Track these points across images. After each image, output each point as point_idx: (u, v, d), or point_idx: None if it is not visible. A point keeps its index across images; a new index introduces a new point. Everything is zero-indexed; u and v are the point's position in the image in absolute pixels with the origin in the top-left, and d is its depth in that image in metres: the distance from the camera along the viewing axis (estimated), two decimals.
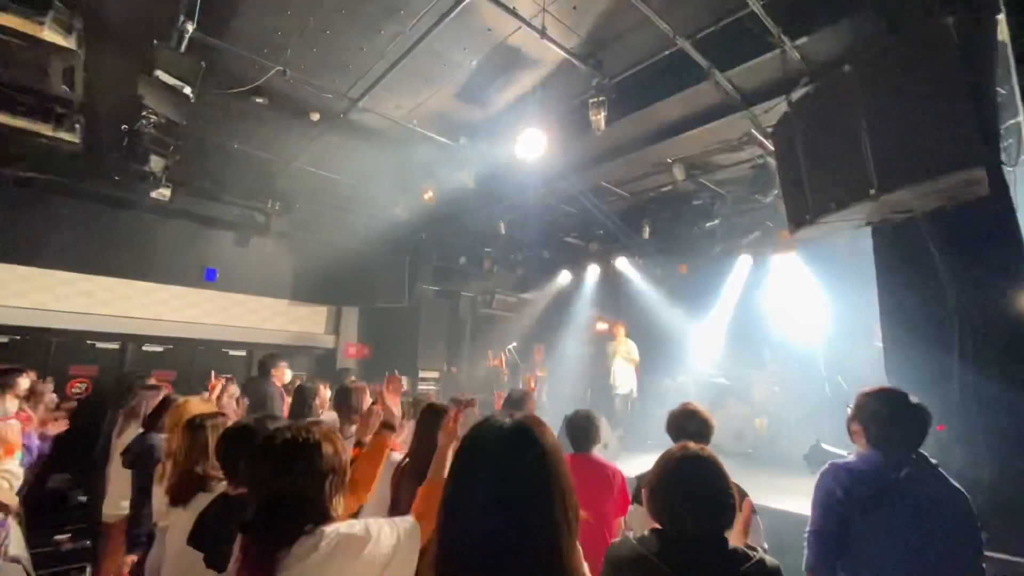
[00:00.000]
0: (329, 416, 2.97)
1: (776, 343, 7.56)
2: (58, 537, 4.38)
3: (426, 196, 6.43)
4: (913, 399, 1.90)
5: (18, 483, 2.95)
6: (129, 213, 6.88)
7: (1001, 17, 2.73)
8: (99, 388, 6.55)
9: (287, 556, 1.14)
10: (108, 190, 6.51)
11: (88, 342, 6.68)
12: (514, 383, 8.46)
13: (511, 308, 10.52)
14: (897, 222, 3.30)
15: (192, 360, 7.36)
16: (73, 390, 6.45)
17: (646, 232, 8.03)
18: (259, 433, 1.70)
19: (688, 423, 2.47)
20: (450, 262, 9.70)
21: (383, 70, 4.42)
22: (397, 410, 2.02)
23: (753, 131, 4.77)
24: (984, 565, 1.74)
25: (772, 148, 4.58)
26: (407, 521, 1.37)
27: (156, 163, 4.96)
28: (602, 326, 9.20)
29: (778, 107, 4.05)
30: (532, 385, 3.57)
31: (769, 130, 4.33)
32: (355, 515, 1.75)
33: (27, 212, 6.24)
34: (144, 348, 7.07)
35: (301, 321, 8.64)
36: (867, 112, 3.03)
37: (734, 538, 1.40)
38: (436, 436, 1.77)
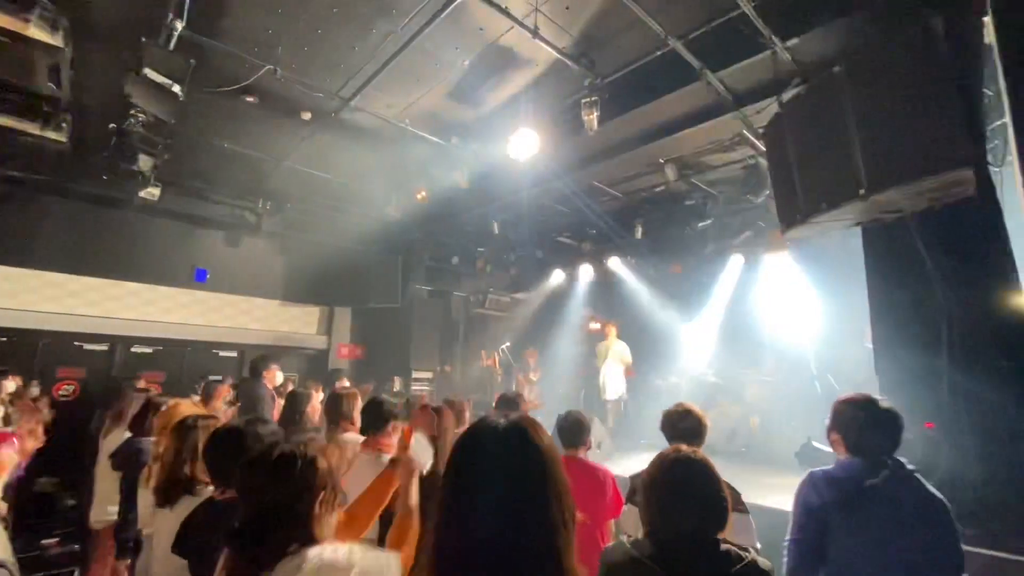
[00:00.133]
0: (352, 437, 2.85)
1: (768, 342, 7.61)
2: (46, 541, 4.33)
3: (419, 196, 6.41)
4: (884, 404, 1.94)
5: None
6: (118, 213, 6.80)
7: (987, 19, 2.76)
8: (87, 390, 6.48)
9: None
10: (96, 189, 6.44)
11: (76, 343, 6.60)
12: (508, 383, 8.45)
13: (504, 308, 10.51)
14: (887, 222, 3.33)
15: (182, 361, 7.29)
16: (61, 392, 6.37)
17: (639, 232, 8.06)
18: (248, 436, 1.68)
19: (682, 423, 2.49)
20: (443, 262, 9.68)
21: (375, 69, 4.40)
22: (427, 455, 1.79)
23: (745, 131, 4.79)
24: (964, 565, 1.76)
25: (763, 148, 4.61)
26: (389, 556, 1.34)
27: (145, 162, 4.90)
28: (595, 326, 9.23)
29: (769, 108, 4.07)
30: (526, 394, 3.54)
31: (760, 130, 4.36)
32: None
33: (14, 212, 6.15)
34: (133, 349, 6.99)
35: (293, 322, 8.58)
36: (857, 113, 3.06)
37: (725, 537, 1.41)
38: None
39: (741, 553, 1.33)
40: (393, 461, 1.77)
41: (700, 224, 7.46)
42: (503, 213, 7.60)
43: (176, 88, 3.62)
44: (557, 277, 10.14)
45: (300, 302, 8.64)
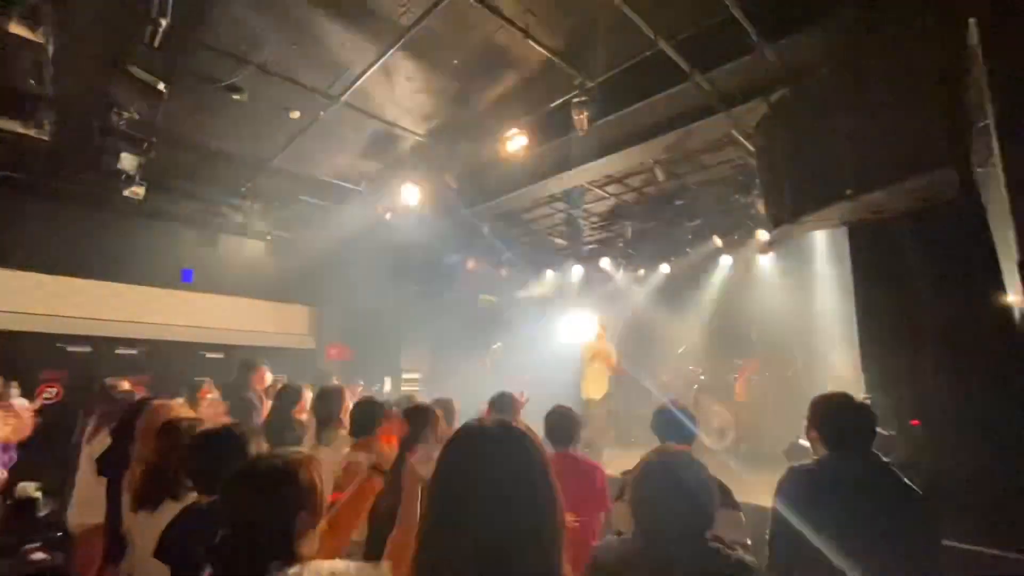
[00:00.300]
0: (342, 437, 2.81)
1: (756, 341, 7.68)
2: (28, 547, 4.23)
3: (409, 195, 6.36)
4: (859, 400, 2.01)
5: None
6: (101, 212, 6.69)
7: (972, 21, 2.80)
8: (70, 392, 6.35)
9: None
10: (79, 188, 6.32)
11: (58, 345, 6.47)
12: (498, 383, 8.42)
13: (495, 308, 10.50)
14: (873, 222, 3.37)
15: (168, 363, 7.18)
16: (43, 395, 6.25)
17: (628, 232, 8.09)
18: (233, 440, 1.65)
19: (673, 421, 2.51)
20: (433, 262, 9.63)
21: (365, 67, 4.36)
22: (391, 453, 1.86)
23: (734, 132, 4.83)
24: (939, 556, 1.80)
25: (752, 149, 4.65)
26: (380, 567, 1.31)
27: (129, 161, 4.82)
28: (586, 325, 9.23)
29: (759, 108, 4.10)
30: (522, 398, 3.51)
31: (750, 131, 4.39)
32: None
33: None
34: (117, 351, 6.87)
35: (280, 322, 8.50)
36: (844, 114, 3.09)
37: (714, 534, 1.41)
38: (418, 439, 1.73)
39: (729, 550, 1.34)
40: (375, 467, 1.74)
41: (690, 224, 7.51)
42: (493, 212, 7.57)
43: (160, 85, 3.57)
44: (548, 277, 10.16)
45: (288, 302, 8.55)
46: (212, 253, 7.74)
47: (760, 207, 5.74)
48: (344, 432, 2.89)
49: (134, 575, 1.77)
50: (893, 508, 1.79)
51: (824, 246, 7.08)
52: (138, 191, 5.80)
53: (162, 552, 1.57)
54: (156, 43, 3.46)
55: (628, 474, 1.81)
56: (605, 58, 4.29)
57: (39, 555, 4.16)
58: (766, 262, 7.91)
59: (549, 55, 4.11)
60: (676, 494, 1.38)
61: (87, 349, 6.67)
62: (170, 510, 1.71)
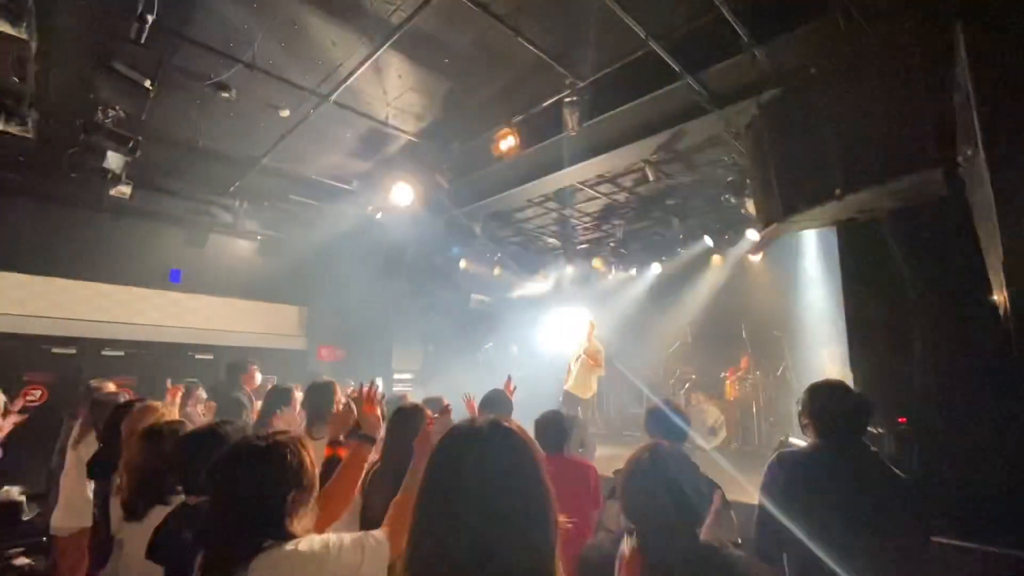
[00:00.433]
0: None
1: (746, 340, 7.74)
2: (11, 551, 4.17)
3: (400, 195, 6.33)
4: (853, 389, 2.06)
5: None
6: (87, 212, 6.59)
7: (958, 25, 2.83)
8: (55, 395, 6.25)
9: (245, 573, 1.10)
10: (64, 187, 6.21)
11: (43, 347, 6.37)
12: (491, 382, 8.41)
13: (487, 308, 10.49)
14: (862, 222, 3.41)
15: (156, 365, 7.08)
16: (27, 397, 6.14)
17: (620, 232, 8.12)
18: (220, 438, 1.63)
19: (665, 419, 2.52)
20: (425, 262, 9.60)
21: (355, 65, 4.33)
22: (377, 419, 1.91)
23: (724, 133, 4.85)
24: (925, 540, 1.83)
25: (743, 150, 4.68)
26: (374, 536, 1.32)
27: (115, 159, 4.75)
28: (578, 325, 9.25)
29: (749, 109, 4.12)
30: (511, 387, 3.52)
31: (740, 132, 4.42)
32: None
33: None
34: (103, 353, 6.77)
35: (271, 323, 8.43)
36: (832, 114, 3.12)
37: (705, 531, 1.42)
38: (409, 438, 1.72)
39: (718, 547, 1.34)
40: (363, 436, 1.78)
41: (681, 223, 7.55)
42: (485, 212, 7.57)
43: (147, 83, 3.52)
44: (540, 277, 10.17)
45: (278, 303, 8.48)
46: (200, 253, 7.64)
47: (750, 207, 5.77)
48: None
49: None
50: (881, 495, 1.81)
51: (813, 246, 7.15)
52: (124, 190, 5.72)
53: (154, 552, 1.55)
54: (142, 40, 3.42)
55: (620, 473, 1.82)
56: (596, 58, 4.29)
57: (22, 560, 4.09)
58: (756, 262, 7.97)
59: (540, 54, 4.10)
60: (666, 491, 1.38)
61: (72, 351, 6.56)
62: (159, 515, 1.69)
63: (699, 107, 4.39)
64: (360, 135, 5.68)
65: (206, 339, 7.62)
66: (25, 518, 4.72)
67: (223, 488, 1.21)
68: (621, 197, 7.24)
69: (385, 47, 4.04)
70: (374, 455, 2.28)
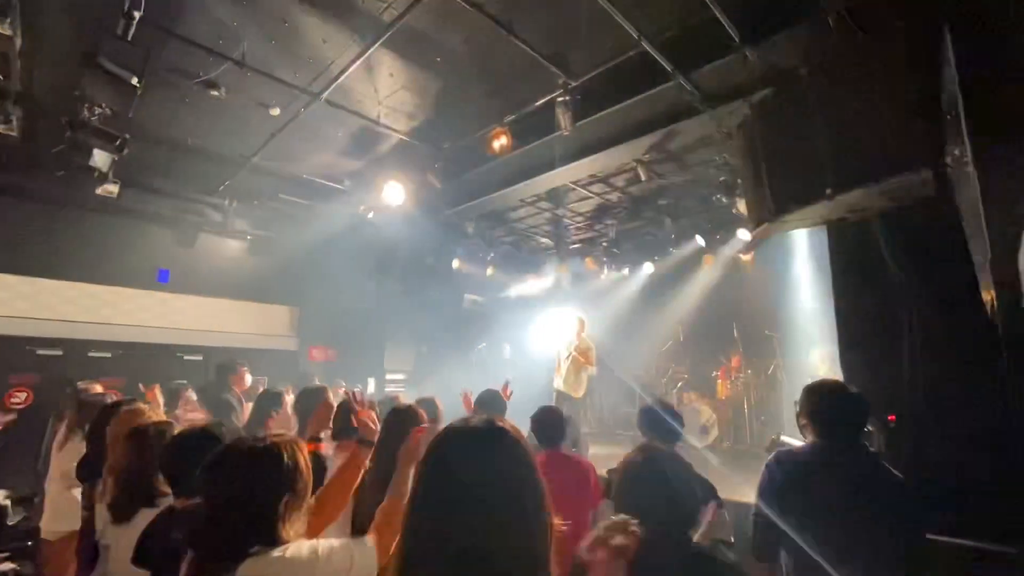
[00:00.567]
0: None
1: (738, 339, 7.79)
2: None
3: (392, 194, 6.30)
4: (852, 389, 2.03)
5: None
6: (74, 211, 6.49)
7: (946, 27, 2.86)
8: (41, 397, 6.15)
9: None
10: (50, 186, 6.12)
11: (28, 348, 6.26)
12: (484, 383, 8.39)
13: (480, 308, 10.47)
14: (852, 221, 3.43)
15: (144, 366, 6.99)
16: (12, 400, 6.04)
17: (613, 231, 8.13)
18: (212, 440, 1.60)
19: (659, 419, 2.53)
20: (417, 262, 9.56)
21: (346, 63, 4.30)
22: (374, 423, 1.87)
23: (716, 132, 4.87)
24: (921, 542, 1.83)
25: (734, 149, 4.70)
26: (363, 542, 1.31)
27: (101, 158, 4.68)
28: (570, 325, 9.25)
29: (741, 109, 4.14)
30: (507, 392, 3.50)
31: (732, 132, 4.44)
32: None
33: None
34: (90, 354, 6.67)
35: (261, 323, 8.35)
36: (822, 115, 3.15)
37: (699, 536, 1.42)
38: (403, 440, 1.70)
39: (712, 550, 1.34)
40: (361, 440, 1.74)
41: (673, 223, 7.58)
42: (478, 212, 7.55)
43: (134, 80, 3.46)
44: (533, 277, 10.17)
45: (269, 303, 8.41)
46: (189, 253, 7.56)
47: (741, 207, 5.80)
48: (327, 434, 2.84)
49: None
50: (880, 496, 1.81)
51: (804, 245, 7.21)
52: (111, 189, 5.64)
53: (140, 556, 1.52)
54: (129, 36, 3.37)
55: (613, 472, 1.82)
56: (589, 57, 4.29)
57: (7, 565, 4.01)
58: (747, 261, 8.02)
59: (532, 54, 4.10)
60: (659, 494, 1.38)
61: (58, 352, 6.46)
62: (146, 518, 1.66)
63: (691, 107, 4.40)
64: (351, 134, 5.65)
65: (195, 340, 7.53)
66: (10, 522, 4.64)
67: (216, 488, 1.19)
68: (613, 197, 7.25)
69: (376, 45, 4.01)
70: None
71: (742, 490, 3.98)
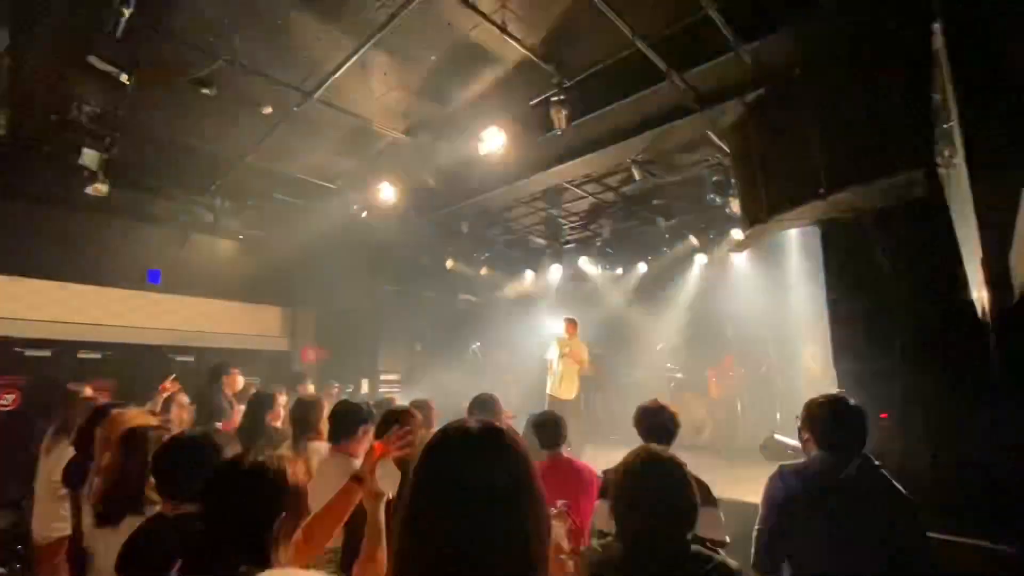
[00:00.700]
0: (319, 446, 2.75)
1: (731, 338, 7.82)
2: None
3: (386, 194, 6.27)
4: (852, 402, 2.03)
5: None
6: (62, 210, 6.40)
7: (936, 25, 2.88)
8: (29, 399, 6.07)
9: None
10: (38, 185, 6.04)
11: (16, 349, 6.17)
12: (478, 385, 8.38)
13: (474, 308, 10.46)
14: (844, 221, 3.45)
15: (135, 367, 6.92)
16: (0, 402, 5.96)
17: (607, 231, 8.14)
18: (202, 446, 1.58)
19: (656, 420, 2.53)
20: (411, 261, 9.54)
21: (340, 62, 4.27)
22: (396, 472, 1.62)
23: (710, 132, 4.89)
24: (927, 559, 1.83)
25: (728, 149, 4.72)
26: None
27: (90, 156, 4.63)
28: (560, 324, 9.26)
29: (735, 109, 4.15)
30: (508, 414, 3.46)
31: (725, 131, 4.45)
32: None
33: None
34: (79, 355, 6.59)
35: (253, 324, 8.28)
36: (816, 115, 3.16)
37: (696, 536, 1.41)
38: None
39: (710, 554, 1.34)
40: (356, 477, 1.63)
41: (667, 223, 7.59)
42: (472, 212, 7.53)
43: (124, 77, 3.42)
44: (527, 277, 10.16)
45: (261, 303, 8.35)
46: (180, 252, 7.49)
47: (735, 206, 5.83)
48: (320, 442, 2.82)
49: None
50: (885, 511, 1.80)
51: (796, 244, 7.25)
52: (101, 188, 5.57)
53: (124, 566, 1.49)
54: (119, 33, 3.33)
55: (610, 473, 1.81)
56: (583, 57, 4.29)
57: None
58: (741, 260, 8.05)
59: (527, 53, 4.09)
60: (658, 498, 1.38)
61: (47, 353, 6.37)
62: (131, 525, 1.63)
63: (685, 107, 4.41)
64: (345, 133, 5.61)
65: (187, 341, 7.46)
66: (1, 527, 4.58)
67: (218, 502, 1.18)
68: (608, 196, 7.26)
69: (370, 44, 3.98)
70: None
71: (735, 489, 3.99)
